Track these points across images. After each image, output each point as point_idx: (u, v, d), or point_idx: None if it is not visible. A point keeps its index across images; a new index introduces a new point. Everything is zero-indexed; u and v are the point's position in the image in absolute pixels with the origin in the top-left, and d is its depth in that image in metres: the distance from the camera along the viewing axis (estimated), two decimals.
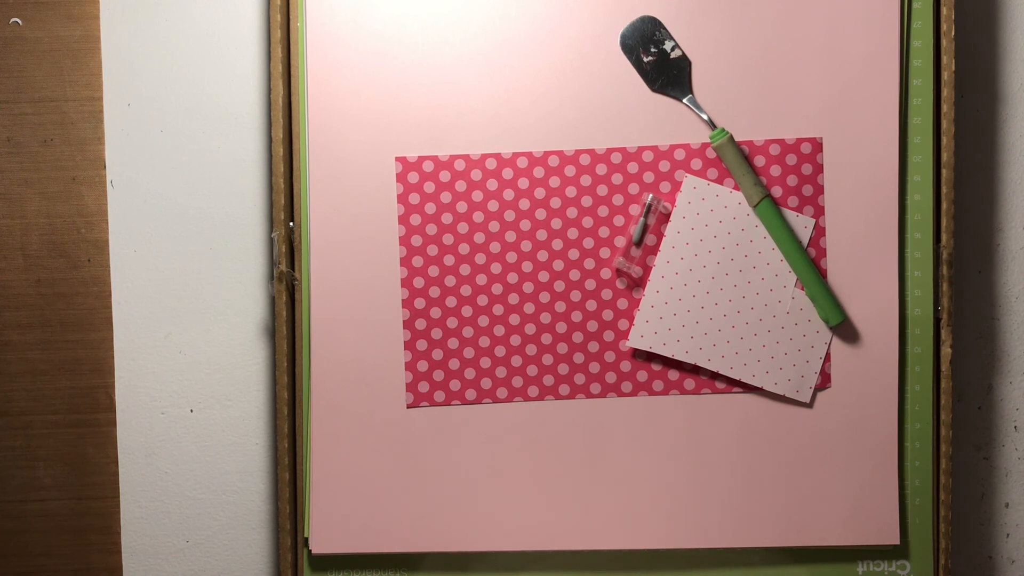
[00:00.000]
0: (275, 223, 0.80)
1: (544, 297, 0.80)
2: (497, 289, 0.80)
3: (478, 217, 0.80)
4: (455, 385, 0.81)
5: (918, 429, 0.80)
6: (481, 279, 0.80)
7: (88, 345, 0.86)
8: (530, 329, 0.80)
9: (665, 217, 0.80)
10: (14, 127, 0.85)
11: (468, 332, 0.81)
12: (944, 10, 0.78)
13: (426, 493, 0.81)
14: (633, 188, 0.80)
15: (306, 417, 0.81)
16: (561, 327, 0.80)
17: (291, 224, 0.81)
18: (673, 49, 0.80)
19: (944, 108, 0.79)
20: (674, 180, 0.80)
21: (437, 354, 0.81)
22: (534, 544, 0.81)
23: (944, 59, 0.78)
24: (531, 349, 0.80)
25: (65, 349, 0.86)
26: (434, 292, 0.80)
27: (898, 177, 0.79)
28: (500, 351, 0.80)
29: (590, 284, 0.80)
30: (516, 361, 0.81)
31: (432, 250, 0.80)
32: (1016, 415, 0.85)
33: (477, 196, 0.80)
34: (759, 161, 0.80)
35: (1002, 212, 0.84)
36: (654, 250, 0.80)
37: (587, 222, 0.80)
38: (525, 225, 0.80)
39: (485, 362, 0.81)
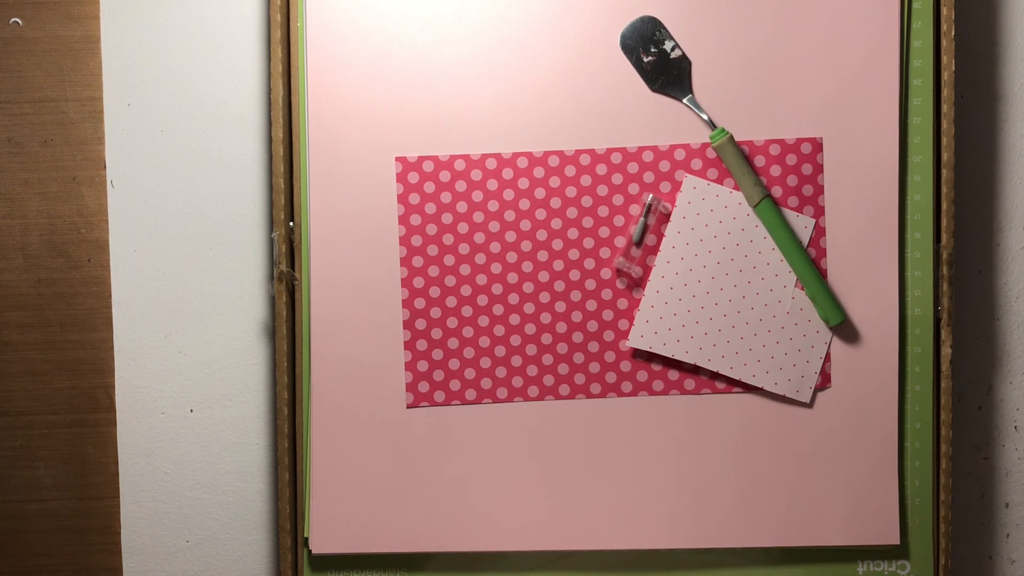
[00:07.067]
0: (275, 223, 0.80)
1: (544, 297, 0.80)
2: (497, 289, 0.80)
3: (478, 217, 0.80)
4: (455, 385, 0.81)
5: (918, 429, 0.80)
6: (481, 279, 0.80)
7: (88, 345, 0.86)
8: (530, 329, 0.80)
9: (665, 217, 0.80)
10: (14, 127, 0.85)
11: (468, 332, 0.81)
12: (944, 10, 0.78)
13: (426, 493, 0.81)
14: (633, 188, 0.80)
15: (306, 417, 0.81)
16: (561, 327, 0.80)
17: (291, 224, 0.81)
18: (673, 49, 0.80)
19: (944, 108, 0.79)
20: (674, 180, 0.80)
21: (437, 354, 0.81)
22: (534, 544, 0.81)
23: (944, 59, 0.78)
24: (531, 349, 0.80)
25: (65, 349, 0.86)
26: (434, 292, 0.80)
27: (898, 177, 0.79)
28: (500, 351, 0.80)
29: (590, 284, 0.80)
30: (516, 361, 0.81)
31: (432, 250, 0.80)
32: (1016, 415, 0.85)
33: (477, 196, 0.80)
34: (759, 161, 0.80)
35: (1002, 212, 0.84)
36: (654, 250, 0.80)
37: (587, 222, 0.80)
38: (525, 225, 0.80)
39: (485, 362, 0.81)
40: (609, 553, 0.81)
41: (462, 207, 0.80)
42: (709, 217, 0.79)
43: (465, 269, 0.80)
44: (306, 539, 0.81)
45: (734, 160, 0.78)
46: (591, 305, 0.80)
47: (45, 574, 0.87)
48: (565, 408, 0.81)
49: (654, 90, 0.80)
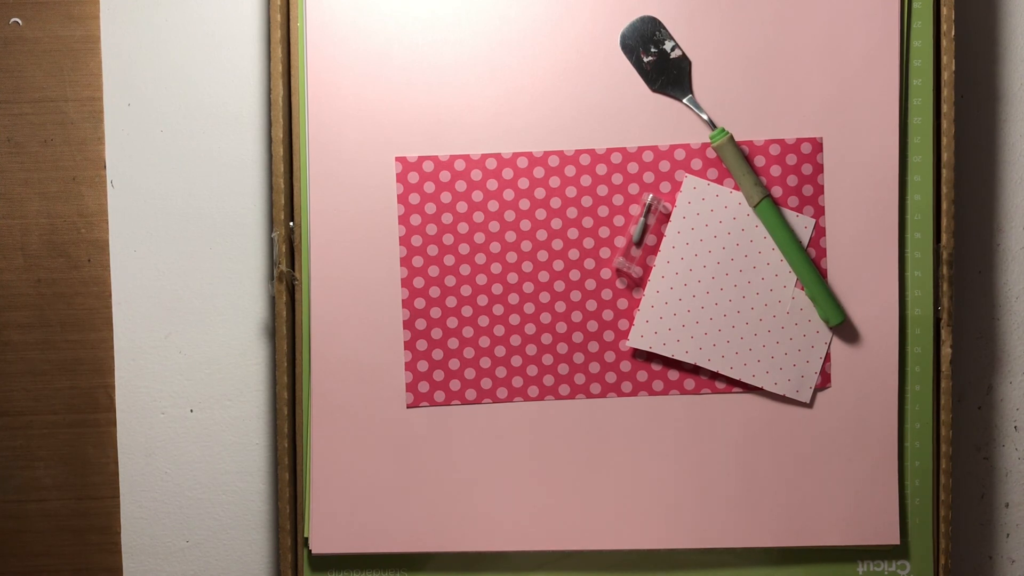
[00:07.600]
0: (275, 223, 0.80)
1: (544, 297, 0.80)
2: (497, 289, 0.80)
3: (478, 217, 0.80)
4: (455, 385, 0.81)
5: (918, 429, 0.80)
6: (481, 279, 0.80)
7: (88, 345, 0.86)
8: (530, 329, 0.80)
9: (665, 217, 0.80)
10: (14, 127, 0.85)
11: (468, 332, 0.81)
12: (944, 10, 0.78)
13: (426, 493, 0.81)
14: (633, 188, 0.80)
15: (306, 417, 0.81)
16: (561, 327, 0.80)
17: (291, 224, 0.81)
18: (673, 49, 0.80)
19: (944, 108, 0.79)
20: (674, 180, 0.80)
21: (437, 354, 0.81)
22: (534, 544, 0.81)
23: (944, 59, 0.78)
24: (531, 349, 0.80)
25: (65, 349, 0.86)
26: (434, 292, 0.80)
27: (898, 177, 0.79)
28: (500, 351, 0.80)
29: (590, 284, 0.80)
30: (516, 361, 0.81)
31: (432, 250, 0.80)
32: (1016, 415, 0.85)
33: (477, 196, 0.80)
34: (759, 161, 0.80)
35: (1002, 212, 0.84)
36: (654, 250, 0.80)
37: (587, 222, 0.80)
38: (525, 225, 0.80)
39: (485, 362, 0.81)
40: (609, 553, 0.81)
41: (462, 207, 0.80)
42: (709, 217, 0.79)
43: (465, 269, 0.80)
44: (306, 539, 0.81)
45: (734, 160, 0.78)
46: (591, 305, 0.80)
47: (45, 574, 0.87)
48: (565, 408, 0.81)
49: (654, 90, 0.80)
